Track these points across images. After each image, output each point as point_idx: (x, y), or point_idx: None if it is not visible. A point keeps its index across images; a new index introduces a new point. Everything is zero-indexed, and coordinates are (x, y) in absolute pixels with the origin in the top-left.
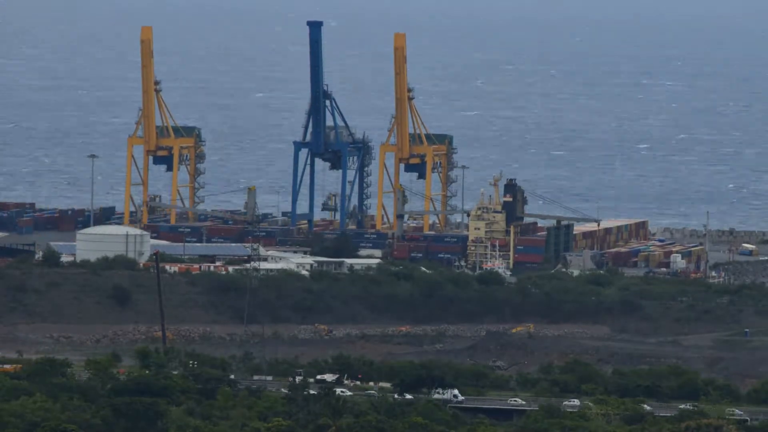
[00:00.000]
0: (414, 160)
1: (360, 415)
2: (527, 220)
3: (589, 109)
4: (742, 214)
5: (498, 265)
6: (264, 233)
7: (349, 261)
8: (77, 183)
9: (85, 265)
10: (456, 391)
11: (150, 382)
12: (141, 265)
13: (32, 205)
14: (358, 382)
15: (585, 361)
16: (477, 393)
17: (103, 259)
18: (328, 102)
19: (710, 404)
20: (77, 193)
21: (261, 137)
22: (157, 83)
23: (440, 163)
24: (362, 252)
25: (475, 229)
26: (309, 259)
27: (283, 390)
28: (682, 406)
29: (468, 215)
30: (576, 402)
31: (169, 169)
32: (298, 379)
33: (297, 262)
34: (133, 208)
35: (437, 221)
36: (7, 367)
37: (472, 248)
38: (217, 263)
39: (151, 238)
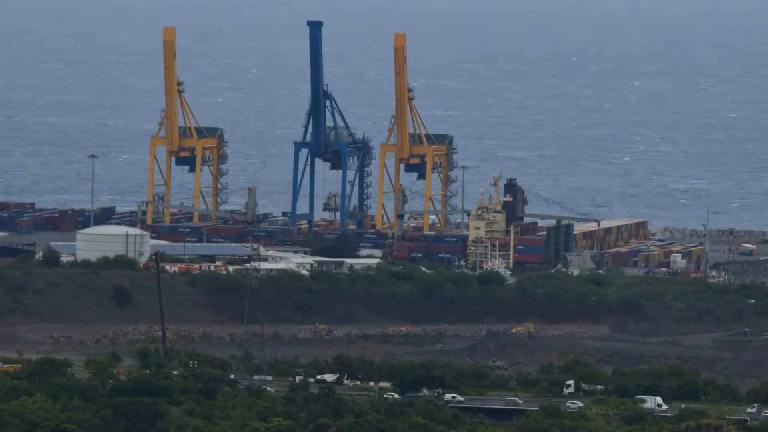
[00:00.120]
0: (414, 160)
1: (360, 415)
2: (527, 220)
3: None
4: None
5: (498, 265)
6: (264, 233)
7: (349, 261)
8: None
9: (85, 265)
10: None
11: (150, 382)
12: (141, 265)
13: (32, 205)
14: (358, 382)
15: (585, 361)
16: (477, 393)
17: (103, 259)
18: (328, 102)
19: (710, 404)
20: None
21: (261, 137)
22: (179, 84)
23: (440, 163)
24: (362, 252)
25: (475, 229)
26: (309, 259)
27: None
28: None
29: (468, 215)
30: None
31: (192, 170)
32: (298, 379)
33: (297, 262)
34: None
35: (437, 221)
36: (7, 367)
37: (472, 248)
38: (217, 263)
39: (151, 238)
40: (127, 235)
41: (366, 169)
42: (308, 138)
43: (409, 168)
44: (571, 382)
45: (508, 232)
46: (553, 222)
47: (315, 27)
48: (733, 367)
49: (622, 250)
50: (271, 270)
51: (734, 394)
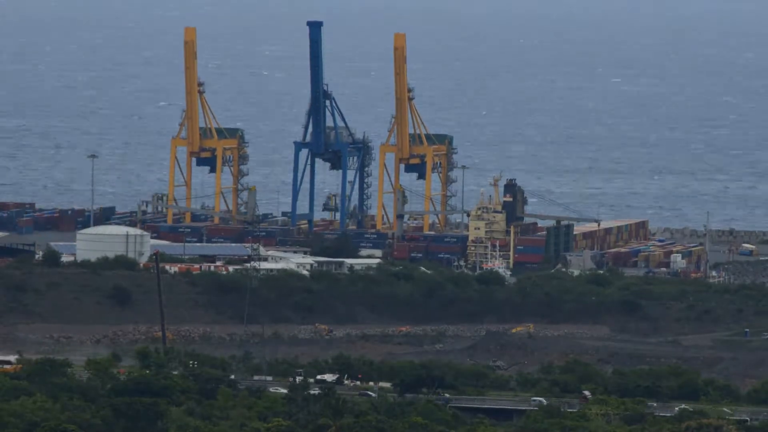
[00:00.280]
0: (414, 161)
1: (360, 415)
2: (527, 220)
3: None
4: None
5: (498, 265)
6: (264, 233)
7: (349, 261)
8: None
9: (85, 265)
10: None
11: (150, 382)
12: (141, 265)
13: (32, 205)
14: (358, 382)
15: (585, 361)
16: (477, 393)
17: (103, 259)
18: (328, 102)
19: (710, 404)
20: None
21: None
22: (200, 84)
23: (440, 163)
24: (362, 252)
25: (475, 229)
26: (309, 259)
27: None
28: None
29: (468, 215)
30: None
31: (213, 170)
32: (298, 379)
33: (297, 262)
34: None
35: (437, 221)
36: (7, 367)
37: (472, 248)
38: (217, 263)
39: (151, 238)
40: (127, 235)
41: (366, 169)
42: (308, 138)
43: (409, 168)
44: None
45: (508, 232)
46: (553, 222)
47: (315, 27)
48: (733, 367)
49: (622, 250)
50: (271, 270)
51: (734, 394)
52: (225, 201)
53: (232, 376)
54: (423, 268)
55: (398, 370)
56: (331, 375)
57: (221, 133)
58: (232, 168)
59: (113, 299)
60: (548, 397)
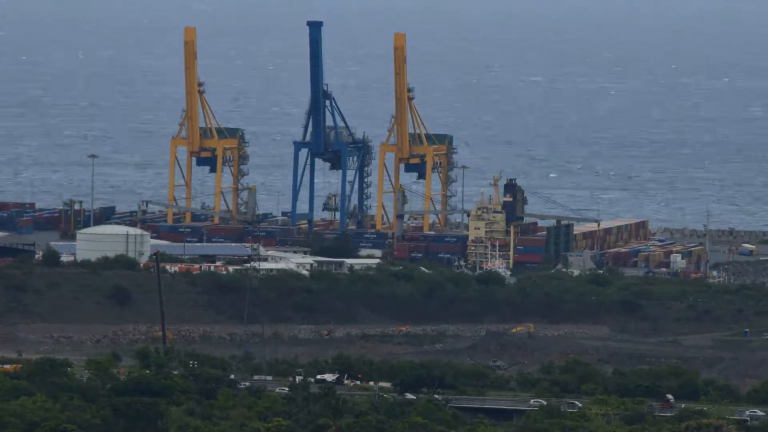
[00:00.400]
0: (414, 160)
1: (360, 415)
2: (527, 220)
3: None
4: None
5: (498, 265)
6: (264, 233)
7: (349, 261)
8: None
9: (85, 265)
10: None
11: (150, 382)
12: (141, 265)
13: (32, 205)
14: (358, 382)
15: (585, 361)
16: (477, 393)
17: (103, 259)
18: (328, 102)
19: (710, 404)
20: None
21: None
22: (200, 85)
23: (440, 163)
24: (362, 252)
25: (475, 229)
26: (309, 259)
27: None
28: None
29: (468, 215)
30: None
31: (213, 170)
32: (298, 379)
33: (297, 262)
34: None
35: (437, 221)
36: (7, 367)
37: (472, 248)
38: (217, 263)
39: (152, 238)
40: (127, 235)
41: (366, 169)
42: (308, 138)
43: (409, 168)
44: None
45: (508, 232)
46: (553, 222)
47: (315, 27)
48: (733, 367)
49: (622, 250)
50: (271, 270)
51: (734, 394)
52: (225, 201)
53: (232, 376)
54: (423, 268)
55: (398, 370)
56: (331, 375)
57: (221, 132)
58: (232, 168)
59: (113, 299)
60: (548, 397)
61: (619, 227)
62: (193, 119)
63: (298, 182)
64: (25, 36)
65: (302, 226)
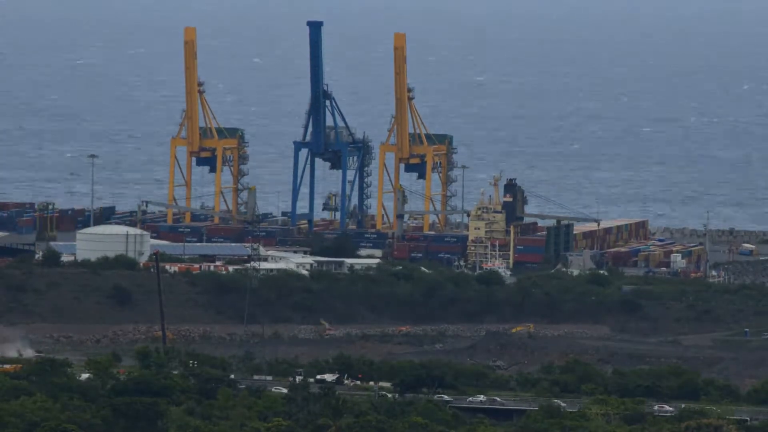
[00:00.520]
0: (414, 160)
1: (360, 415)
2: (527, 220)
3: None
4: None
5: (498, 265)
6: (264, 233)
7: (349, 261)
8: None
9: (85, 265)
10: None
11: (150, 382)
12: (141, 265)
13: (32, 205)
14: (358, 382)
15: (585, 361)
16: (477, 393)
17: (103, 259)
18: (328, 102)
19: (711, 404)
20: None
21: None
22: (200, 84)
23: (440, 163)
24: (362, 252)
25: (475, 229)
26: (309, 259)
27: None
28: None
29: (468, 215)
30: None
31: (213, 170)
32: (298, 379)
33: (297, 262)
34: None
35: (437, 221)
36: (7, 367)
37: (472, 248)
38: (217, 263)
39: (151, 238)
40: (127, 235)
41: (366, 169)
42: (308, 138)
43: (409, 168)
44: None
45: (508, 232)
46: (553, 222)
47: (315, 27)
48: (733, 367)
49: (622, 250)
50: (271, 270)
51: (734, 394)
52: (225, 201)
53: (232, 376)
54: (423, 268)
55: (398, 370)
56: (331, 375)
57: (221, 132)
58: (232, 168)
59: (113, 299)
60: (548, 397)
61: (619, 227)
62: (193, 119)
63: (298, 182)
64: (25, 36)
65: (302, 226)
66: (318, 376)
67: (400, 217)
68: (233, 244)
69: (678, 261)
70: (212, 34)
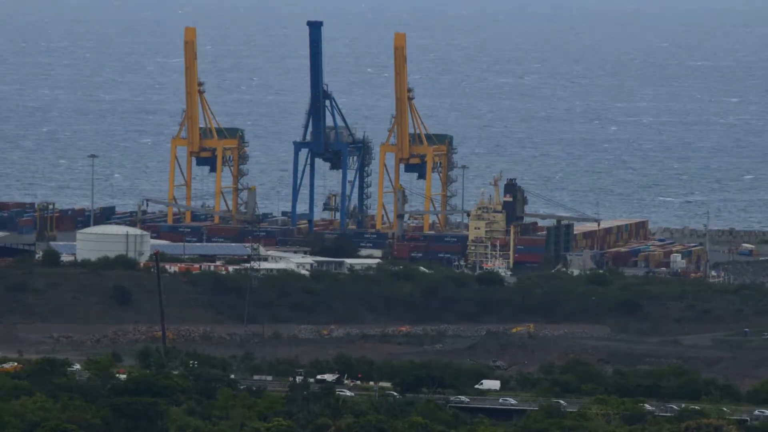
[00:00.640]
0: (414, 160)
1: (360, 415)
2: (527, 220)
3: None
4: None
5: (498, 265)
6: (264, 233)
7: (349, 261)
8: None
9: (85, 265)
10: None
11: (150, 382)
12: (141, 265)
13: (32, 205)
14: (358, 382)
15: (585, 361)
16: (477, 393)
17: (104, 259)
18: (328, 102)
19: (710, 404)
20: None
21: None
22: (200, 84)
23: (440, 163)
24: (362, 252)
25: (475, 229)
26: (309, 259)
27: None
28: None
29: (468, 215)
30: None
31: (213, 170)
32: (298, 379)
33: (297, 262)
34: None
35: (437, 221)
36: (7, 366)
37: (472, 248)
38: (217, 263)
39: (151, 238)
40: (127, 235)
41: (366, 169)
42: (308, 138)
43: (409, 168)
44: None
45: (508, 232)
46: (553, 222)
47: (315, 27)
48: (733, 367)
49: (622, 250)
50: (271, 270)
51: (734, 394)
52: (225, 201)
53: (232, 376)
54: (423, 268)
55: (398, 370)
56: (331, 375)
57: (221, 132)
58: (232, 168)
59: (113, 299)
60: (548, 397)
61: (619, 227)
62: (193, 119)
63: (298, 182)
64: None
65: (302, 226)
66: (318, 376)
67: (400, 217)
68: (233, 244)
69: (678, 261)
70: (212, 35)
